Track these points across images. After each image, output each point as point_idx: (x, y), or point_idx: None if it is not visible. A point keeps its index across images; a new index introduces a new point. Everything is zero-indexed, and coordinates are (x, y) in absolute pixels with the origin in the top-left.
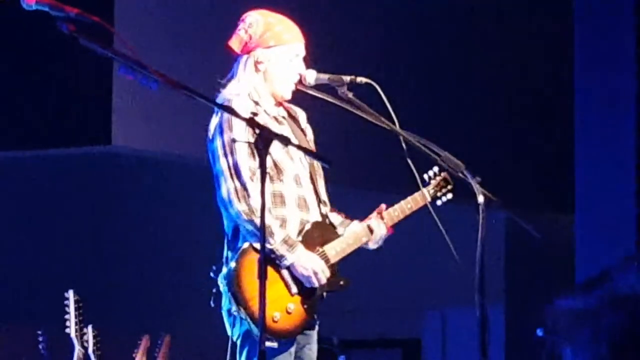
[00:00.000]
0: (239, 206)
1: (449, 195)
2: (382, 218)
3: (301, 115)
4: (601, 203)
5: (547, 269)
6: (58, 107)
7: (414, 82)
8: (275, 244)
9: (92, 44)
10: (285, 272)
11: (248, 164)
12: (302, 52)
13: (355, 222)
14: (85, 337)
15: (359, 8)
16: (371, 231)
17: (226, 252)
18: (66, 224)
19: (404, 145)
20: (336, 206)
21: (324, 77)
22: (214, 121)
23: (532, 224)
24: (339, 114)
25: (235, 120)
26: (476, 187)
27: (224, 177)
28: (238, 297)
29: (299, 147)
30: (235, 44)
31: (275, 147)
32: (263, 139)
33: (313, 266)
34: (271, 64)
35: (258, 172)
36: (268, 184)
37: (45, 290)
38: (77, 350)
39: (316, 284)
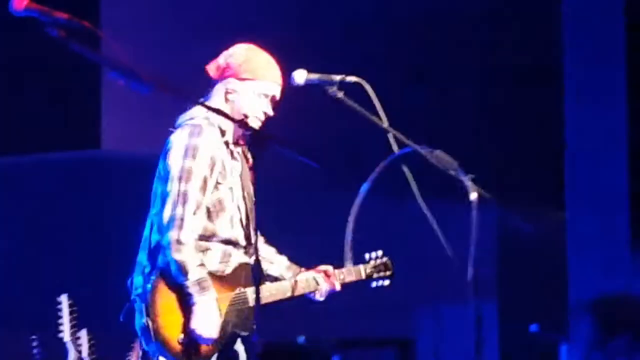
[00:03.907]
0: (172, 235)
1: (386, 282)
2: (327, 276)
3: (251, 159)
4: (592, 197)
5: (539, 264)
6: (47, 112)
7: (402, 81)
8: (188, 281)
9: (82, 49)
10: None
11: (196, 197)
12: (275, 93)
13: (301, 273)
14: (79, 342)
15: (348, 9)
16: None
17: (144, 260)
18: (57, 228)
19: (394, 144)
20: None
21: (314, 76)
22: (180, 137)
23: (523, 220)
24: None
25: (201, 150)
26: (469, 185)
27: (169, 201)
28: (150, 313)
29: (291, 150)
30: (211, 68)
31: (225, 185)
32: (258, 140)
33: (206, 322)
34: (239, 96)
35: (203, 207)
36: (206, 220)
37: (37, 295)
38: (72, 355)
39: (197, 337)
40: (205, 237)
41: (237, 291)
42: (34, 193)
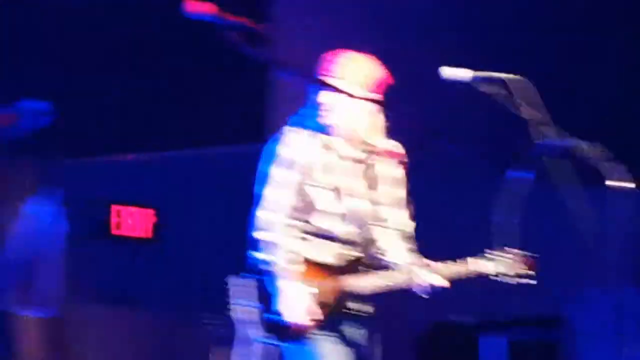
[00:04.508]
0: (254, 235)
1: (523, 280)
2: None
3: (397, 149)
4: None
5: None
6: (216, 110)
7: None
8: (273, 273)
9: (253, 52)
10: None
11: (281, 199)
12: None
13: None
14: None
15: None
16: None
17: None
18: (226, 216)
19: (546, 136)
20: None
21: (481, 75)
22: (277, 143)
23: None
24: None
25: (288, 157)
26: (613, 172)
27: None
28: None
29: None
30: None
31: (320, 186)
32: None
33: (286, 307)
34: None
35: (293, 207)
36: (304, 217)
37: (213, 276)
38: (240, 333)
39: (284, 317)
40: (313, 233)
41: (339, 280)
42: (207, 183)
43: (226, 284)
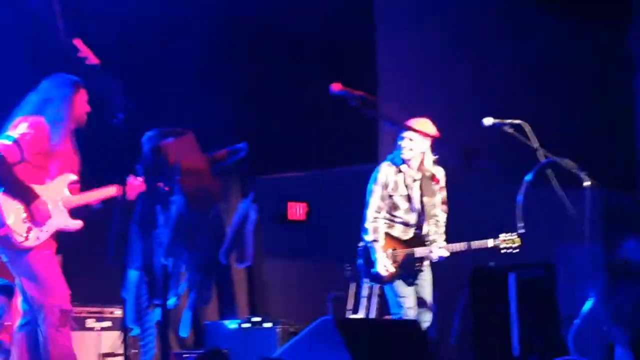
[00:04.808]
0: (363, 225)
1: (515, 251)
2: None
3: (439, 174)
4: None
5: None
6: (345, 145)
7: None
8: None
9: (365, 111)
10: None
11: (377, 203)
12: (405, 136)
13: (434, 244)
14: None
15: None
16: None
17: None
18: (351, 206)
19: (541, 156)
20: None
21: (497, 121)
22: (375, 170)
23: (624, 196)
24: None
25: (378, 178)
26: (583, 177)
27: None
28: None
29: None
30: None
31: (397, 195)
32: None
33: (379, 262)
34: None
35: (385, 207)
36: (389, 211)
37: (343, 242)
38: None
39: (376, 270)
40: (392, 220)
41: (409, 249)
42: (342, 187)
43: (358, 247)
